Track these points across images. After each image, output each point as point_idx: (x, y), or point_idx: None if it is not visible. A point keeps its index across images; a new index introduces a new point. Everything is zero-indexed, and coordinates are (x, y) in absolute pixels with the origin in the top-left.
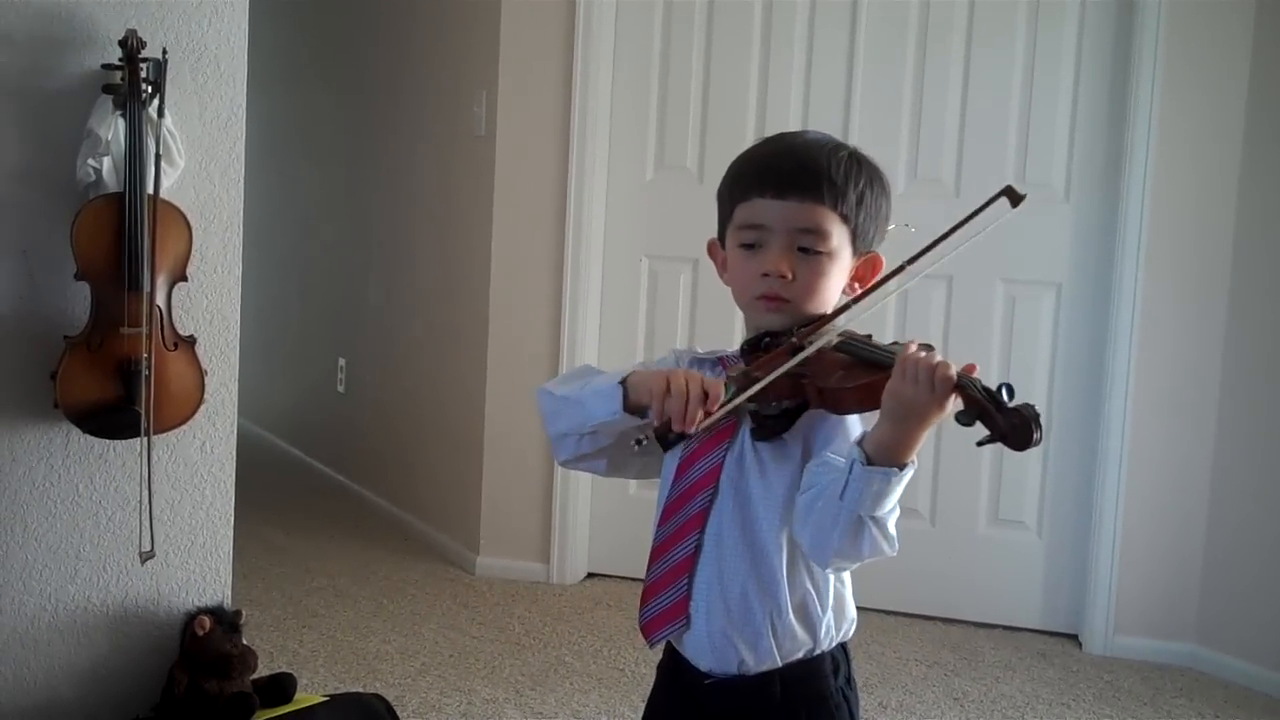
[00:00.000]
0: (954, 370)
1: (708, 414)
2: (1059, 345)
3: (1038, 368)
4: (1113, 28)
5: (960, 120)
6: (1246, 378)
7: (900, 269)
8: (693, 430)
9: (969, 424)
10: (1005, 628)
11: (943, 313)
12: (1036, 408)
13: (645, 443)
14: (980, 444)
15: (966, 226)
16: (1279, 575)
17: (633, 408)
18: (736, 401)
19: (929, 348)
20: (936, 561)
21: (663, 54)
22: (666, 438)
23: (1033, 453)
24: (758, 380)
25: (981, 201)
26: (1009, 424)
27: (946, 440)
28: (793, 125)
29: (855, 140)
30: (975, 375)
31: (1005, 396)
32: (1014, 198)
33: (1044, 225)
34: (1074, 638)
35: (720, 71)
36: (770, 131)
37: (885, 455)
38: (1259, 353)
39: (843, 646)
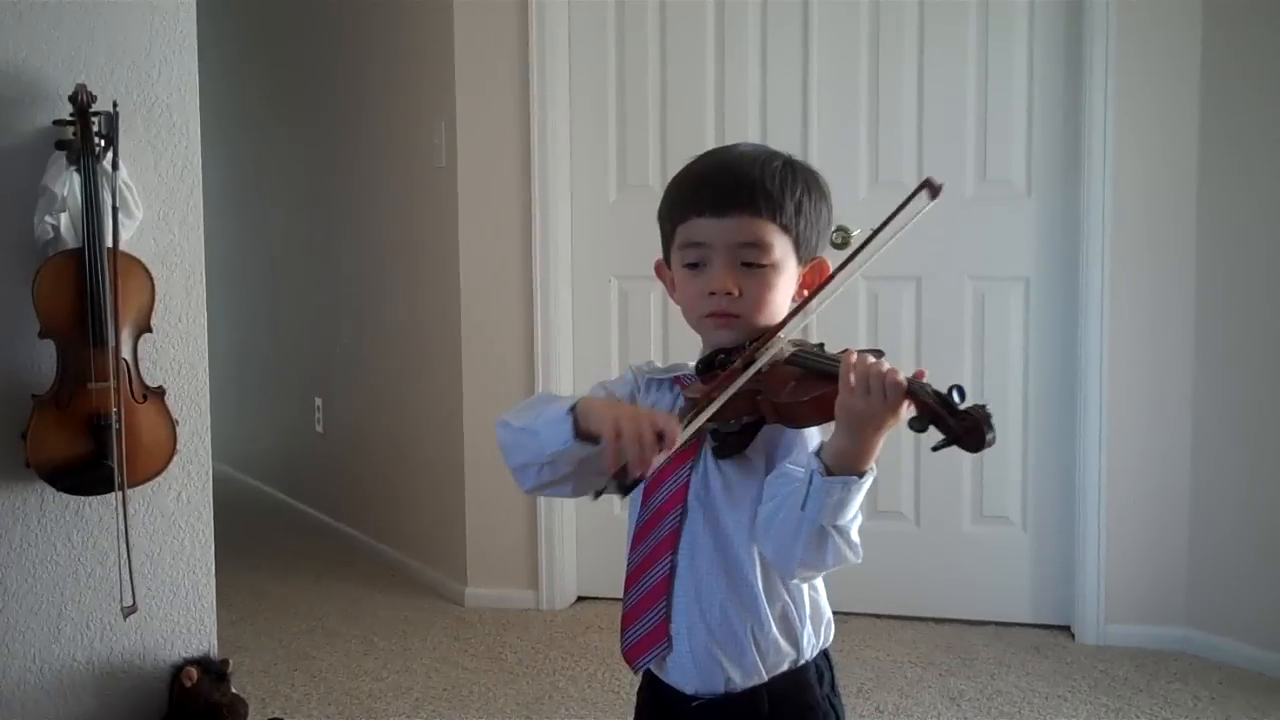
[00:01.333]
0: (903, 377)
1: (666, 453)
2: (1030, 339)
3: (1011, 362)
4: (1063, 21)
5: (918, 122)
6: (1219, 359)
7: (835, 274)
8: (649, 473)
9: (922, 430)
10: (997, 624)
11: (913, 313)
12: (988, 408)
13: (605, 493)
14: (936, 449)
15: (893, 223)
16: (1265, 554)
17: (583, 435)
18: (691, 430)
19: (878, 354)
20: (924, 562)
21: (618, 73)
22: (624, 483)
23: (1013, 447)
24: (710, 403)
25: (905, 197)
26: (962, 427)
27: (925, 441)
28: (752, 137)
29: (815, 147)
30: (925, 380)
31: (957, 399)
32: (933, 189)
33: (1009, 221)
34: (1066, 629)
35: (677, 88)
36: (730, 144)
37: (843, 464)
38: (1229, 334)
39: (825, 654)
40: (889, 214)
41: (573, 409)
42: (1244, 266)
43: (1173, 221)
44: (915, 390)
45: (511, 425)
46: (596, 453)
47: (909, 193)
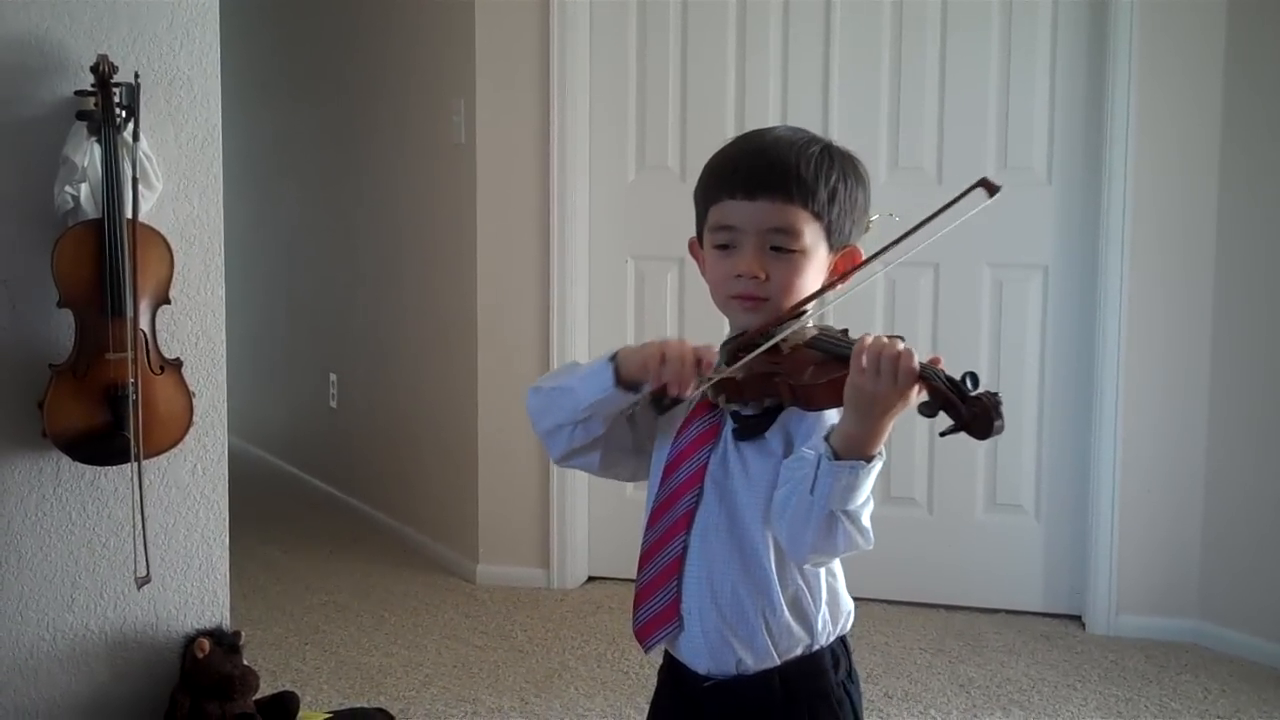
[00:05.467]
0: (917, 361)
1: (701, 380)
2: (1048, 327)
3: (1028, 350)
4: (1087, 8)
5: (939, 107)
6: (1237, 351)
7: (872, 258)
8: (688, 395)
9: (931, 415)
10: (1008, 612)
11: (930, 299)
12: (999, 395)
13: (637, 404)
14: (944, 434)
15: (942, 217)
16: (1278, 546)
17: (624, 382)
18: (727, 372)
19: (897, 339)
20: (936, 549)
21: (639, 53)
22: (661, 402)
23: (1027, 435)
24: (726, 372)
25: (959, 191)
26: (970, 413)
27: (939, 427)
28: (772, 119)
29: (835, 132)
30: (941, 366)
31: (969, 385)
32: (990, 189)
33: (1028, 208)
34: (1077, 619)
35: (697, 69)
36: (750, 127)
37: (852, 448)
38: (1248, 325)
39: (842, 641)
40: (939, 206)
41: (613, 357)
42: (1264, 257)
43: (1193, 211)
44: (928, 374)
45: (543, 389)
46: (635, 399)
47: (964, 189)
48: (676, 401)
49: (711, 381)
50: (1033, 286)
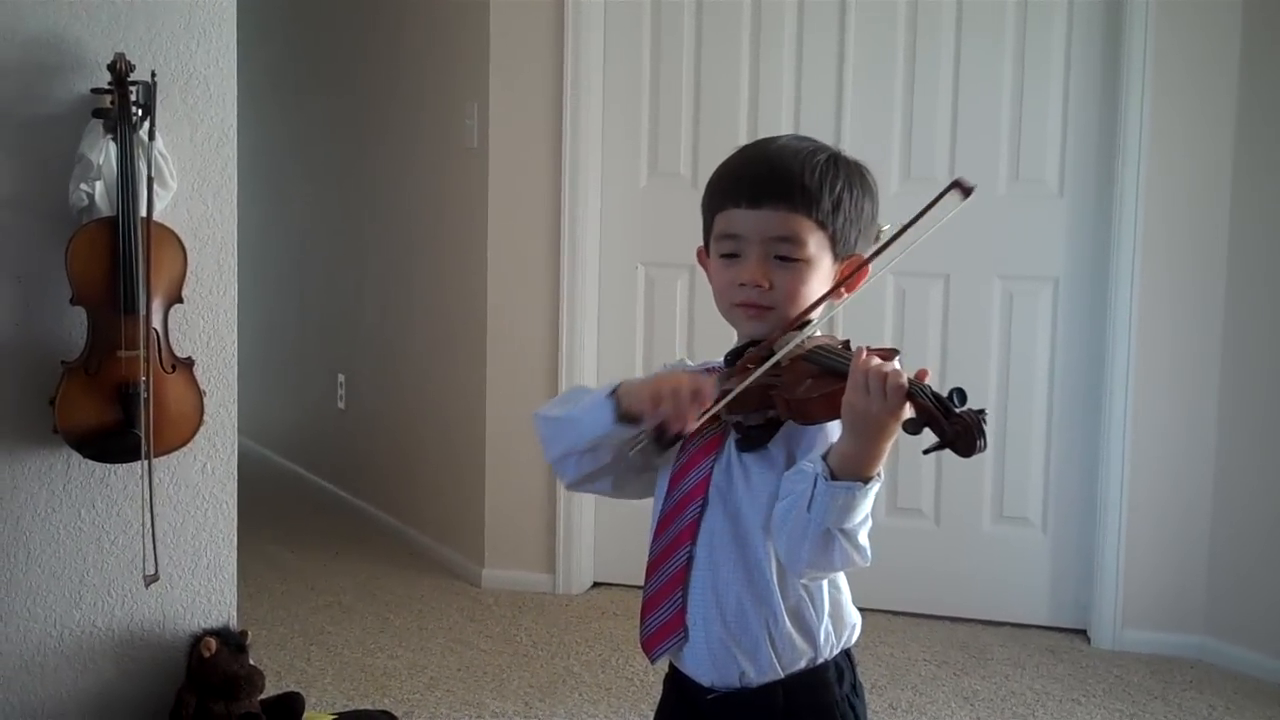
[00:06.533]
0: (906, 378)
1: (702, 413)
2: (1058, 340)
3: (1037, 363)
4: (1102, 18)
5: (952, 118)
6: (1247, 366)
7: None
8: (688, 429)
9: (916, 432)
10: (1013, 625)
11: (940, 311)
12: (984, 413)
13: (642, 444)
14: (926, 452)
15: (921, 222)
16: None
17: (625, 417)
18: (724, 403)
19: (892, 352)
20: (942, 561)
21: (653, 59)
22: (663, 438)
23: (1035, 448)
24: (726, 393)
25: (935, 196)
26: (954, 430)
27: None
28: (785, 128)
29: (847, 141)
30: (927, 380)
31: (956, 402)
32: (964, 190)
33: (1039, 220)
34: (1082, 633)
35: (711, 76)
36: (763, 134)
37: (849, 469)
38: (1258, 341)
39: (847, 654)
40: (917, 212)
41: (614, 391)
42: (1277, 272)
43: (1205, 226)
44: (914, 392)
45: (549, 416)
46: (638, 433)
47: (939, 191)
48: (679, 437)
49: (710, 413)
50: (1043, 299)
